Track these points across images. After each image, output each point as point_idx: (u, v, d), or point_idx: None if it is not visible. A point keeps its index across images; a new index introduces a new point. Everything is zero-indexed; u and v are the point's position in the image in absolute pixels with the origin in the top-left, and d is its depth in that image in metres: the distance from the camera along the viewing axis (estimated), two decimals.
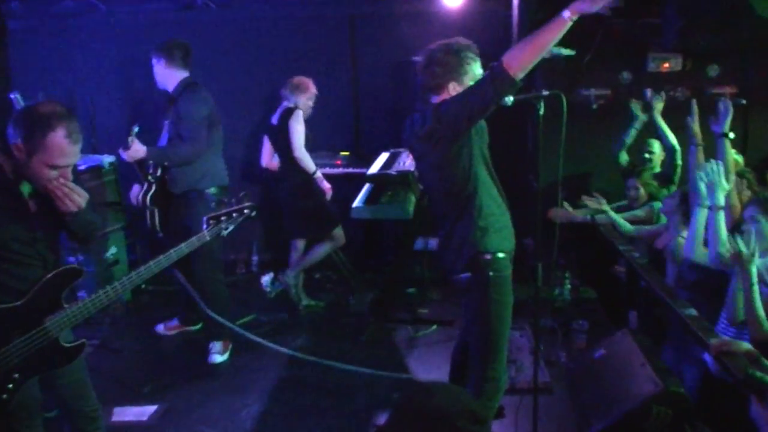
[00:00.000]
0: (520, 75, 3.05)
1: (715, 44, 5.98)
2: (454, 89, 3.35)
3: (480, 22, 6.45)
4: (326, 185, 5.77)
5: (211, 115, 4.94)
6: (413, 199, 5.38)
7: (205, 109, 4.90)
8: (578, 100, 6.19)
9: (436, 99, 3.39)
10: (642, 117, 5.82)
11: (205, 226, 3.37)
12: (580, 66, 5.96)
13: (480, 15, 6.52)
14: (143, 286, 6.06)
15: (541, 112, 3.42)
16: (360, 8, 6.90)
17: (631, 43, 6.23)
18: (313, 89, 5.76)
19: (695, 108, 4.59)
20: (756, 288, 3.25)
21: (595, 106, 6.31)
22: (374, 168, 5.70)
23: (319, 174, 5.74)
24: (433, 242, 6.32)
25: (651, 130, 5.84)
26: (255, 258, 7.04)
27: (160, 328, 5.57)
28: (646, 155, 5.85)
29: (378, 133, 6.90)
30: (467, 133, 3.30)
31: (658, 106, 5.71)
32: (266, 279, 6.45)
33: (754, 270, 3.26)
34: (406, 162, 5.65)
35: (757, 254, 3.28)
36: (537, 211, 3.52)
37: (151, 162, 4.88)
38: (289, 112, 5.63)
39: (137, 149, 4.68)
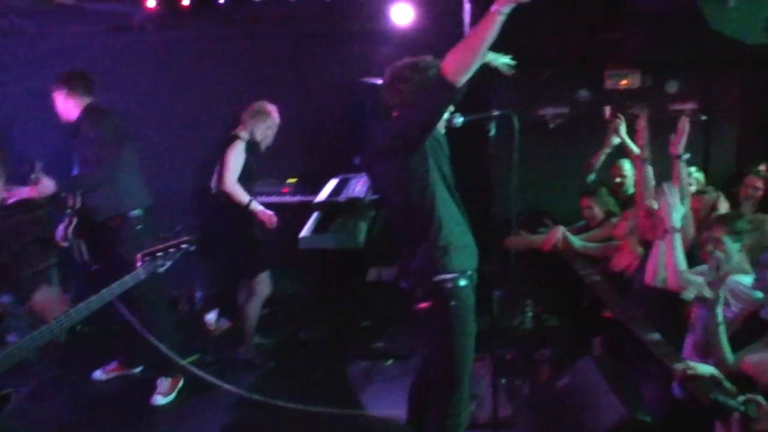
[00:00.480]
0: (460, 79, 3.10)
1: (674, 60, 6.14)
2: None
3: (432, 40, 6.41)
4: (266, 214, 5.56)
5: (118, 135, 4.93)
6: (364, 227, 5.38)
7: (109, 128, 4.89)
8: (534, 119, 6.29)
9: (399, 114, 3.46)
10: (615, 141, 5.88)
11: (139, 263, 3.33)
12: (535, 84, 6.05)
13: (431, 33, 6.57)
14: (79, 327, 5.95)
15: (492, 133, 3.47)
16: (308, 27, 6.90)
17: (588, 60, 6.34)
18: (274, 117, 5.63)
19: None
20: (722, 328, 3.32)
21: (552, 126, 6.41)
22: (322, 195, 5.71)
23: (254, 205, 5.53)
24: (388, 273, 6.45)
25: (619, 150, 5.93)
26: (198, 294, 6.96)
27: (98, 374, 5.48)
28: (618, 179, 5.90)
29: (328, 158, 6.91)
30: (421, 146, 3.34)
31: (621, 127, 5.78)
32: (211, 316, 6.38)
33: (720, 311, 3.33)
34: (356, 188, 5.68)
35: (722, 298, 3.34)
36: (490, 236, 3.58)
37: (64, 194, 4.85)
38: (230, 141, 5.49)
39: (46, 185, 4.67)
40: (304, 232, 5.34)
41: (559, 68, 6.14)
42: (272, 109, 5.63)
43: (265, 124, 5.57)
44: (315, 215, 5.63)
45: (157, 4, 6.43)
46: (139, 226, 4.96)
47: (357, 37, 6.78)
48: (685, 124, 4.33)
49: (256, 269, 5.60)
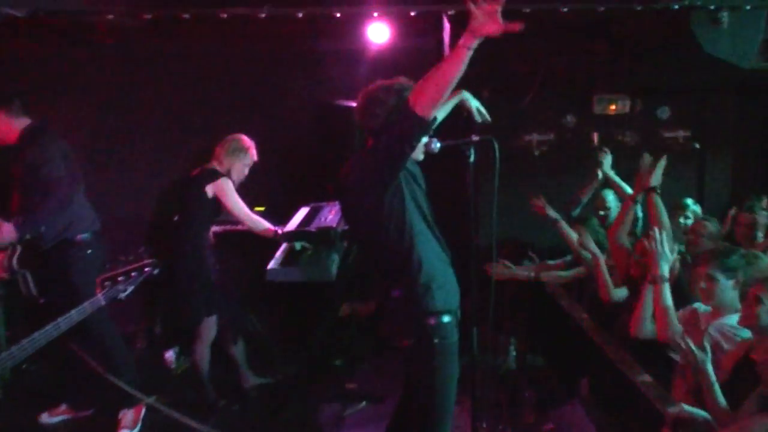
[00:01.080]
0: (429, 113, 3.17)
1: (666, 84, 6.20)
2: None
3: (409, 60, 6.45)
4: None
5: (63, 157, 4.89)
6: (336, 258, 5.37)
7: (53, 150, 4.86)
8: (519, 145, 6.33)
9: (372, 143, 3.52)
10: (601, 176, 5.94)
11: (99, 288, 3.31)
12: (520, 108, 6.10)
13: (409, 53, 6.62)
14: (24, 365, 5.88)
15: (472, 159, 3.51)
16: (279, 46, 6.89)
17: (575, 84, 6.40)
18: (252, 154, 5.60)
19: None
20: (716, 387, 3.35)
21: (537, 153, 6.45)
22: (291, 224, 5.69)
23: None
24: (362, 308, 6.41)
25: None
26: (157, 329, 6.90)
27: (45, 417, 5.40)
28: (602, 212, 5.95)
29: (299, 184, 6.91)
30: (394, 181, 3.39)
31: (606, 161, 5.83)
32: (171, 354, 6.32)
33: (710, 369, 3.37)
34: (328, 217, 5.68)
35: (708, 355, 3.39)
36: (471, 268, 3.62)
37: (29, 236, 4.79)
38: (209, 177, 5.43)
39: (7, 231, 4.63)
40: (272, 264, 5.31)
41: (545, 92, 6.18)
42: (250, 146, 5.60)
43: (243, 162, 5.56)
44: (283, 246, 5.60)
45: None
46: (89, 251, 4.95)
47: (331, 56, 6.84)
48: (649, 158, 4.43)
49: (205, 312, 5.49)
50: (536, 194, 5.98)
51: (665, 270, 3.87)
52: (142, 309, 6.74)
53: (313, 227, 5.47)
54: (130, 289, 3.42)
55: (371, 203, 3.44)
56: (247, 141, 5.59)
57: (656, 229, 3.98)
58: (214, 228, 5.89)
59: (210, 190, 5.37)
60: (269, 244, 5.57)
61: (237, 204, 5.42)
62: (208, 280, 5.46)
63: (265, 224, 5.49)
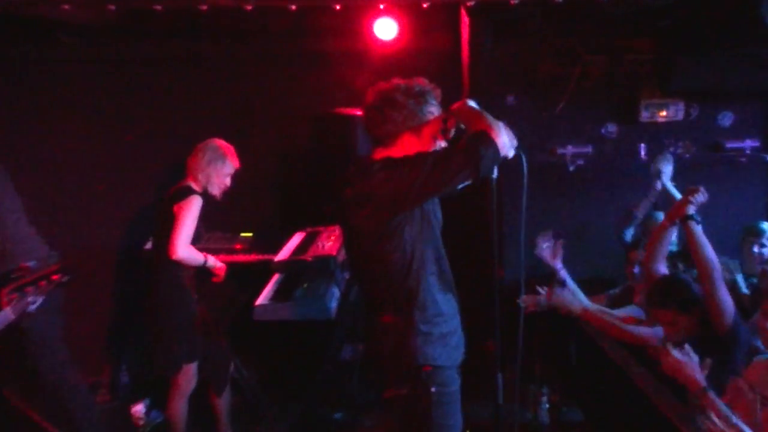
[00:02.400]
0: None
1: (728, 85, 6.13)
2: (408, 143, 3.50)
3: (421, 62, 6.49)
4: (218, 265, 5.55)
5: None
6: (336, 293, 5.39)
7: None
8: (551, 160, 6.28)
9: (381, 152, 3.53)
10: (658, 187, 5.86)
11: (6, 301, 3.29)
12: (552, 116, 6.06)
13: (423, 55, 6.64)
14: None
15: (495, 176, 3.49)
16: (269, 46, 6.94)
17: (617, 87, 6.37)
18: (231, 160, 5.56)
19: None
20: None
21: (572, 168, 6.38)
22: (284, 253, 5.70)
23: (211, 261, 5.51)
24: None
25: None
26: (124, 378, 6.87)
27: None
28: None
29: (292, 207, 6.93)
30: (416, 206, 3.40)
31: (668, 169, 5.74)
32: (140, 408, 6.29)
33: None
34: (327, 244, 5.69)
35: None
36: (496, 301, 3.58)
37: None
38: (180, 195, 5.37)
39: None
40: (261, 299, 5.32)
41: (581, 97, 6.15)
42: (228, 151, 5.55)
43: (222, 171, 5.49)
44: (275, 278, 5.62)
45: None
46: None
47: (330, 58, 6.86)
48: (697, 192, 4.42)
49: (185, 358, 5.45)
50: (572, 215, 5.94)
51: (702, 379, 3.85)
52: (105, 354, 6.73)
53: (309, 256, 5.47)
54: (40, 300, 3.38)
55: (374, 226, 3.43)
56: (223, 146, 5.53)
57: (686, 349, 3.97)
58: None
59: (183, 210, 5.29)
60: (259, 275, 5.61)
61: (183, 225, 5.24)
62: (188, 319, 5.39)
63: (199, 257, 5.41)
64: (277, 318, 5.33)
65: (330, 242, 5.68)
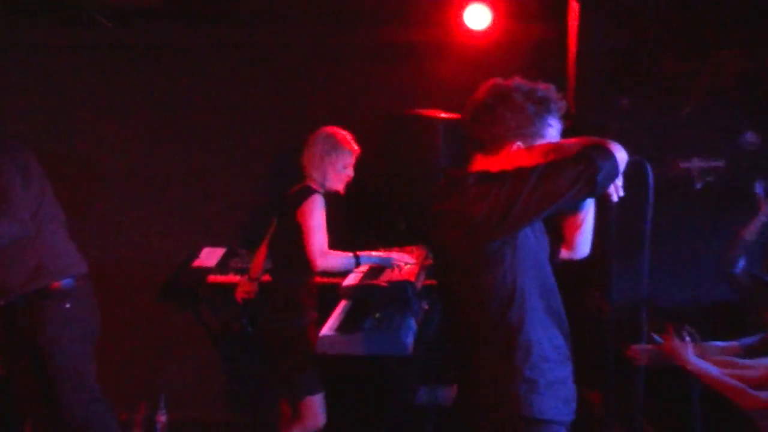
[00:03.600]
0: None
1: None
2: (515, 156, 3.42)
3: (519, 58, 6.53)
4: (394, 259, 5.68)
5: (26, 169, 4.93)
6: (413, 325, 5.35)
7: (17, 167, 4.89)
8: (673, 175, 6.15)
9: (479, 162, 3.49)
10: None
11: None
12: (675, 123, 5.94)
13: (519, 48, 6.63)
14: None
15: (615, 197, 3.42)
16: (335, 34, 6.99)
17: (756, 88, 6.20)
18: (350, 147, 5.70)
19: None
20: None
21: (699, 186, 6.24)
22: (353, 277, 5.67)
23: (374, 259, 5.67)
24: (446, 394, 6.32)
25: None
26: (161, 417, 6.95)
27: None
28: None
29: (362, 223, 6.95)
30: (522, 227, 3.33)
31: None
32: None
33: None
34: (404, 267, 5.65)
35: None
36: (608, 347, 3.58)
37: None
38: (300, 196, 5.53)
39: None
40: (326, 329, 5.31)
41: (711, 100, 6.01)
42: (341, 137, 5.68)
43: (338, 163, 5.64)
44: (342, 306, 5.62)
45: None
46: (68, 304, 4.97)
47: (409, 50, 6.88)
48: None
49: (312, 384, 5.59)
50: (698, 241, 5.83)
51: None
52: (142, 388, 6.92)
53: (382, 281, 5.45)
54: None
55: (468, 252, 3.37)
56: (335, 133, 5.68)
57: None
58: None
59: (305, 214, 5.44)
60: (324, 301, 5.65)
61: (311, 232, 5.37)
62: (307, 342, 5.51)
63: (345, 261, 5.51)
64: (343, 352, 5.32)
65: (408, 266, 5.64)
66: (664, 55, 5.82)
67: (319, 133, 5.67)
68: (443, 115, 6.21)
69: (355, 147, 5.68)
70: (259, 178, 7.24)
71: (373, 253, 5.67)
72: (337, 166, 5.61)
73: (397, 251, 5.96)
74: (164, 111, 7.20)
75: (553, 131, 3.48)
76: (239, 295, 6.05)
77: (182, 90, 7.17)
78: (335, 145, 5.61)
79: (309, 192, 5.47)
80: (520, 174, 3.28)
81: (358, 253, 5.53)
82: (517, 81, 3.48)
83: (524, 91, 3.43)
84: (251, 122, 7.15)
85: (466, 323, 3.50)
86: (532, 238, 3.40)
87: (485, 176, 3.39)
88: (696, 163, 6.22)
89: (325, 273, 5.58)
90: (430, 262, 5.72)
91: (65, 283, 5.00)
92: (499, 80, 3.49)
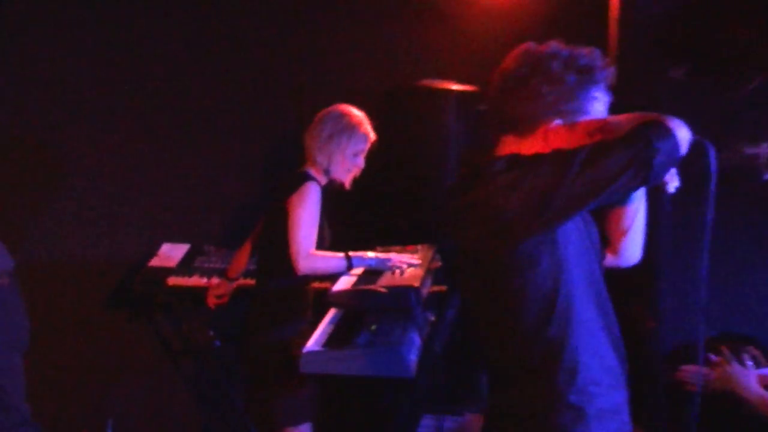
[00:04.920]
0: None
1: None
2: (554, 136, 3.35)
3: (553, 20, 6.54)
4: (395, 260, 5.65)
5: None
6: (416, 340, 5.31)
7: None
8: (738, 162, 6.11)
9: (510, 144, 3.42)
10: None
11: None
12: (739, 102, 5.90)
13: (552, 8, 6.65)
14: None
15: (672, 189, 3.44)
16: None
17: None
18: (364, 130, 5.72)
19: None
20: None
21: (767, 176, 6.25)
22: (345, 281, 5.63)
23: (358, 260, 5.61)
24: (455, 424, 6.30)
25: None
26: None
27: None
28: None
29: (359, 217, 6.95)
30: (564, 221, 3.26)
31: None
32: None
33: None
34: (406, 270, 5.62)
35: None
36: (654, 369, 3.66)
37: None
38: (293, 184, 5.56)
39: None
40: (311, 344, 5.26)
41: None
42: (356, 119, 5.70)
43: (349, 148, 5.66)
44: (331, 315, 5.59)
45: None
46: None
47: (409, 7, 6.97)
48: None
49: (295, 413, 5.60)
50: (760, 244, 5.83)
51: None
52: (85, 412, 6.91)
53: (380, 285, 5.37)
54: None
55: (497, 252, 3.29)
56: (349, 113, 5.70)
57: None
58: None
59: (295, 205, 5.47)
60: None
61: (298, 226, 5.39)
62: (292, 364, 5.42)
63: (333, 264, 5.54)
64: (331, 371, 5.27)
65: (411, 267, 5.61)
66: (727, 17, 5.79)
67: (330, 110, 5.69)
68: (457, 87, 6.25)
69: (372, 134, 5.68)
70: (231, 161, 7.37)
71: (369, 254, 5.64)
72: (347, 151, 5.61)
73: (398, 251, 5.99)
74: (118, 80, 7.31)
75: (598, 105, 3.40)
76: (211, 299, 6.13)
77: (140, 55, 7.32)
78: (348, 126, 5.62)
79: (304, 179, 5.50)
80: (559, 158, 3.19)
81: (350, 253, 5.53)
82: (554, 45, 3.40)
83: (563, 58, 3.35)
84: (225, 94, 7.29)
85: (495, 339, 3.46)
86: (577, 233, 3.34)
87: (517, 161, 3.32)
88: (765, 150, 6.17)
89: (310, 277, 5.59)
90: (437, 264, 5.80)
91: None
92: (531, 45, 3.43)
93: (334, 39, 7.12)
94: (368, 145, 5.69)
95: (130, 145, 7.28)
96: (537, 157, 3.28)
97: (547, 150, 3.33)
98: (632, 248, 3.67)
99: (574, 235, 3.31)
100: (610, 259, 3.67)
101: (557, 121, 3.33)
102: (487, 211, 3.26)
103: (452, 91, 6.16)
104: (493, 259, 3.30)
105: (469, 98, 6.26)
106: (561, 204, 3.13)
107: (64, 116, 7.19)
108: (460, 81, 6.22)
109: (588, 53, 3.39)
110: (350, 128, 5.60)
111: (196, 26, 7.32)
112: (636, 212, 3.60)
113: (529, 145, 3.38)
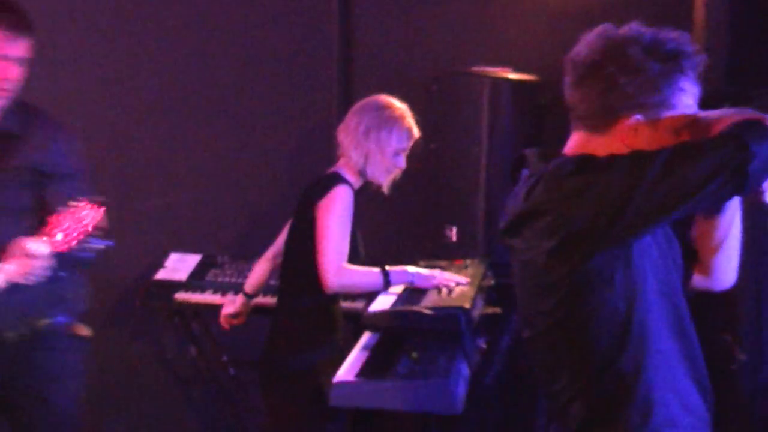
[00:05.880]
0: None
1: None
2: (636, 135, 3.25)
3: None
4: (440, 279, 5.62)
5: None
6: (466, 371, 5.22)
7: None
8: None
9: (580, 143, 3.37)
10: None
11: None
12: None
13: None
14: None
15: None
16: None
17: None
18: (407, 125, 5.63)
19: None
20: None
21: None
22: (382, 300, 5.56)
23: (410, 277, 5.59)
24: None
25: None
26: None
27: None
28: None
29: (395, 224, 6.96)
30: (643, 234, 3.19)
31: None
32: None
33: None
34: (453, 289, 5.55)
35: None
36: (743, 408, 3.73)
37: None
38: (323, 185, 5.53)
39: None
40: (343, 373, 5.14)
41: None
42: (398, 111, 5.62)
43: (390, 145, 5.57)
44: (365, 340, 5.49)
45: None
46: None
47: None
48: None
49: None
50: None
51: None
52: None
53: (424, 307, 5.30)
54: None
55: (561, 268, 3.20)
56: (396, 107, 5.61)
57: None
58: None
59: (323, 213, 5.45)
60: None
61: (328, 236, 5.34)
62: (318, 395, 5.46)
63: (366, 281, 5.51)
64: (366, 405, 5.23)
65: (458, 287, 5.52)
66: None
67: (368, 101, 5.63)
68: (514, 75, 6.22)
69: (416, 129, 5.60)
70: (250, 159, 7.38)
71: (410, 269, 5.59)
72: (388, 149, 5.53)
73: (444, 267, 5.92)
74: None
75: (686, 99, 3.29)
76: (225, 319, 6.06)
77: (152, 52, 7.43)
78: (390, 119, 5.54)
79: (335, 181, 5.43)
80: (637, 160, 3.11)
81: (387, 268, 5.49)
82: (634, 28, 3.31)
83: (645, 43, 3.26)
84: (244, 79, 7.33)
85: (558, 371, 3.40)
86: (655, 249, 3.28)
87: (588, 163, 3.22)
88: None
89: (341, 295, 5.59)
90: (490, 282, 5.74)
91: None
92: (607, 27, 3.34)
93: (367, 16, 7.11)
94: (411, 143, 5.61)
95: (134, 141, 7.38)
96: (612, 159, 3.19)
97: (624, 150, 3.24)
98: (726, 267, 3.56)
99: (651, 250, 3.26)
100: (699, 281, 3.59)
101: (637, 117, 3.24)
102: (552, 219, 3.19)
103: (508, 79, 6.08)
104: (558, 276, 3.23)
105: (527, 89, 6.23)
106: (637, 214, 3.08)
107: (68, 117, 7.09)
108: (517, 69, 6.12)
109: (675, 37, 3.28)
110: (391, 122, 5.50)
111: (210, 17, 7.42)
112: (730, 224, 3.47)
113: (604, 144, 3.30)
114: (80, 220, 4.64)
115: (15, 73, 4.89)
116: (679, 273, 3.38)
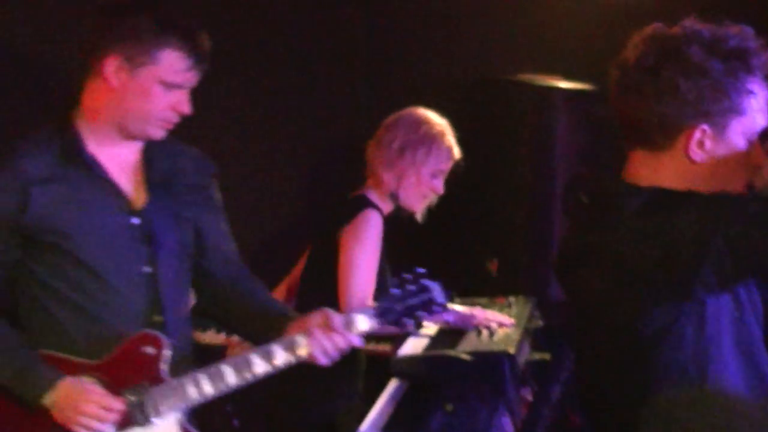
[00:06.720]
0: None
1: None
2: (698, 145, 3.11)
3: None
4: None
5: None
6: (509, 425, 5.16)
7: None
8: None
9: (645, 164, 3.27)
10: None
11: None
12: None
13: None
14: None
15: None
16: None
17: None
18: (447, 143, 5.57)
19: None
20: None
21: None
22: (412, 343, 5.52)
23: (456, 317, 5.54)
24: None
25: None
26: None
27: None
28: None
29: (427, 252, 6.80)
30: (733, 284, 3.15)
31: None
32: None
33: None
34: (495, 330, 5.48)
35: None
36: None
37: None
38: (349, 210, 5.51)
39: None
40: (367, 427, 5.04)
41: None
42: (437, 127, 5.56)
43: (428, 165, 5.52)
44: (392, 389, 5.33)
45: None
46: None
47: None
48: None
49: None
50: None
51: None
52: None
53: (461, 350, 5.24)
54: None
55: (626, 316, 3.11)
56: (434, 123, 5.55)
57: None
58: None
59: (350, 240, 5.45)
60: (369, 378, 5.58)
61: (354, 262, 5.32)
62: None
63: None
64: None
65: (501, 329, 5.46)
66: None
67: (404, 114, 5.60)
68: (566, 84, 6.18)
69: (457, 150, 5.50)
70: (266, 176, 7.43)
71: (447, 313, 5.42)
72: (424, 170, 5.52)
73: (485, 305, 5.87)
74: None
75: (755, 103, 3.21)
76: None
77: None
78: (427, 137, 5.49)
79: (362, 204, 5.42)
80: (717, 204, 3.05)
81: None
82: (690, 25, 3.24)
83: (705, 42, 3.18)
84: (263, 89, 7.36)
85: (614, 429, 3.33)
86: (733, 303, 3.17)
87: (660, 199, 3.14)
88: None
89: (365, 335, 5.25)
90: (537, 323, 5.73)
91: None
92: (661, 26, 3.27)
93: (402, 19, 6.98)
94: (451, 164, 5.51)
95: None
96: (692, 196, 3.10)
97: (691, 169, 3.17)
98: None
99: (728, 303, 3.16)
100: None
101: (703, 127, 3.13)
102: (614, 260, 3.10)
103: (560, 89, 5.94)
104: (620, 323, 3.15)
105: (582, 99, 6.14)
106: (717, 269, 2.95)
107: None
108: (570, 77, 5.97)
109: (737, 33, 3.19)
110: (429, 140, 5.43)
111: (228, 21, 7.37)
112: None
113: (668, 165, 3.23)
114: None
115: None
116: (759, 325, 3.30)
